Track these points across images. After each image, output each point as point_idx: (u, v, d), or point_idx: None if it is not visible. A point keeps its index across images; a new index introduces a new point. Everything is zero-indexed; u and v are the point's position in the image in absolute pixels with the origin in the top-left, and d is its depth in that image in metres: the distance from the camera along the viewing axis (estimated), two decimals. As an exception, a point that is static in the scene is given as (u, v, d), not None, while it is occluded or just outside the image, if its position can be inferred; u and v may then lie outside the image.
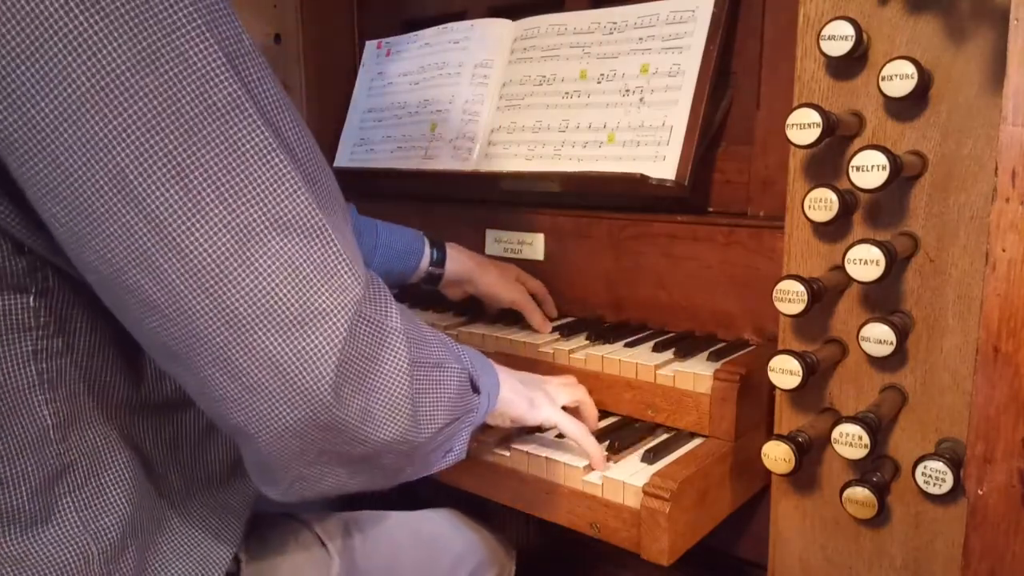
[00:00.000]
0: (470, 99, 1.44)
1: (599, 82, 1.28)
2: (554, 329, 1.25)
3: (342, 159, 1.64)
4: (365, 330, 0.64)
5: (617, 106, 1.25)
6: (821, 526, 0.92)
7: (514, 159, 1.34)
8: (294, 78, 1.62)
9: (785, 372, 0.83)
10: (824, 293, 0.82)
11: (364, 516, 1.02)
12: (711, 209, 1.23)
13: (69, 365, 0.67)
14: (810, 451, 0.85)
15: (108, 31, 0.52)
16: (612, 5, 1.31)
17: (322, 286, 0.61)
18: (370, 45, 1.67)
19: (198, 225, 0.56)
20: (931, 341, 0.82)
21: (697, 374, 1.02)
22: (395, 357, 0.67)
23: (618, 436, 1.02)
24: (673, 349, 1.10)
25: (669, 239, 1.21)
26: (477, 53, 1.46)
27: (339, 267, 0.62)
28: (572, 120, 1.29)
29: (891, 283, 0.83)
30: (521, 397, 0.92)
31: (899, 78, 0.76)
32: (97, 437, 0.71)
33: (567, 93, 1.32)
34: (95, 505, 0.71)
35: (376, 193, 1.67)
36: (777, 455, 0.84)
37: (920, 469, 0.79)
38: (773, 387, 0.86)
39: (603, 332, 1.19)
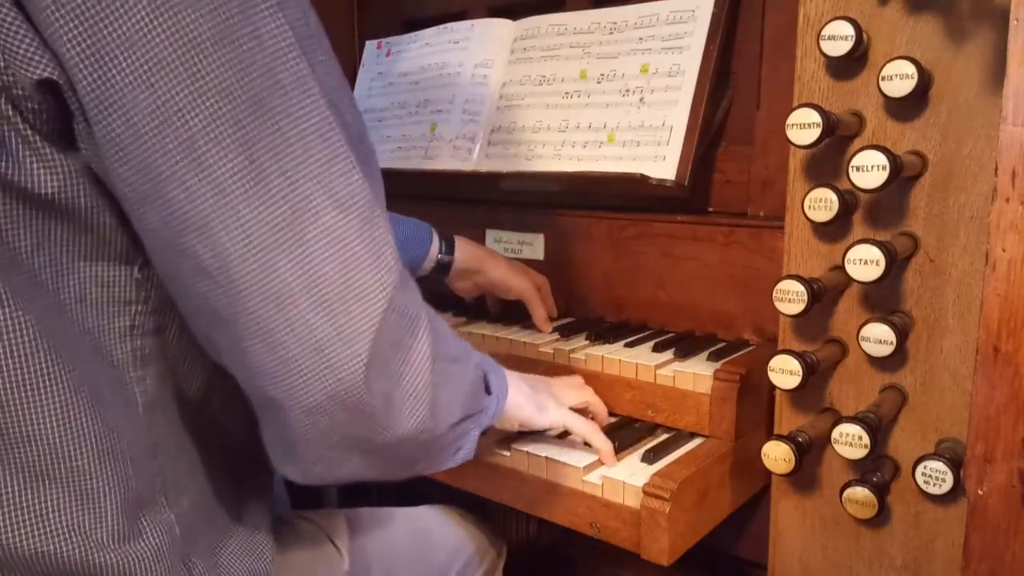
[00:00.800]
0: (470, 99, 1.44)
1: (599, 82, 1.28)
2: (554, 329, 1.25)
3: (342, 159, 1.64)
4: (396, 317, 0.65)
5: (617, 106, 1.25)
6: (821, 526, 0.92)
7: (514, 159, 1.34)
8: (294, 78, 1.62)
9: (785, 372, 0.83)
10: (824, 293, 0.82)
11: (364, 513, 1.02)
12: (711, 209, 1.23)
13: (159, 345, 0.68)
14: (810, 451, 0.85)
15: (191, 0, 0.54)
16: (612, 5, 1.31)
17: (367, 266, 0.62)
18: (370, 45, 1.67)
19: (259, 194, 0.58)
20: (931, 341, 0.83)
21: (697, 374, 1.02)
22: (420, 347, 0.68)
23: (618, 436, 1.01)
24: (673, 349, 1.10)
25: (669, 239, 1.21)
26: (477, 53, 1.46)
27: (383, 250, 0.64)
28: (572, 120, 1.29)
29: (891, 283, 0.83)
30: (529, 401, 0.93)
31: (899, 78, 0.76)
32: (175, 421, 0.72)
33: (567, 93, 1.31)
34: (175, 489, 0.71)
35: (376, 193, 1.66)
36: (777, 455, 0.84)
37: (920, 469, 0.79)
38: (773, 387, 0.86)
39: (603, 332, 1.19)
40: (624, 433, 1.03)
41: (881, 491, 0.82)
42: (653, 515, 0.87)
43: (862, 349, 0.80)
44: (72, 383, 0.61)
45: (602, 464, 0.97)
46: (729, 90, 1.22)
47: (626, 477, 0.92)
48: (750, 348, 1.12)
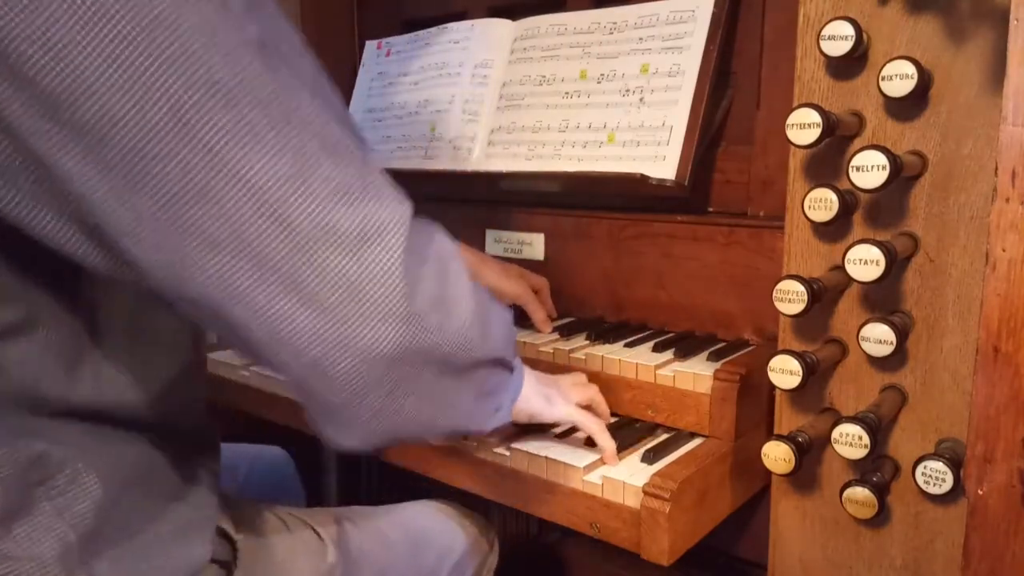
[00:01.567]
0: (470, 99, 1.44)
1: (599, 82, 1.28)
2: (554, 329, 1.25)
3: (342, 159, 1.64)
4: (423, 241, 0.67)
5: (617, 106, 1.25)
6: (821, 526, 0.93)
7: (514, 159, 1.34)
8: (294, 78, 1.62)
9: (785, 372, 0.83)
10: (824, 293, 0.82)
11: (354, 511, 1.02)
12: (711, 209, 1.23)
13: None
14: (810, 451, 0.85)
15: None
16: (612, 5, 1.31)
17: (375, 204, 0.62)
18: (370, 45, 1.67)
19: (255, 150, 0.57)
20: (931, 341, 0.83)
21: (697, 374, 1.02)
22: (459, 272, 0.70)
23: (618, 436, 1.01)
24: (673, 349, 1.10)
25: (669, 239, 1.21)
26: (477, 53, 1.46)
27: (384, 189, 0.64)
28: (572, 120, 1.29)
29: (891, 283, 0.83)
30: (538, 394, 0.93)
31: (899, 78, 0.76)
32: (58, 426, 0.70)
33: (567, 93, 1.32)
34: (70, 491, 0.70)
35: (376, 193, 1.67)
36: (777, 455, 0.84)
37: (920, 469, 0.79)
38: (773, 387, 0.86)
39: (603, 332, 1.19)
40: (624, 433, 1.03)
41: (881, 491, 0.82)
42: (653, 515, 0.87)
43: (862, 349, 0.80)
44: None
45: (603, 464, 0.97)
46: (729, 90, 1.22)
47: (626, 477, 0.92)
48: (750, 348, 1.12)
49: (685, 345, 1.11)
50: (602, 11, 1.32)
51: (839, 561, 0.92)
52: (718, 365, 1.02)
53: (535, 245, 1.37)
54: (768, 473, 0.86)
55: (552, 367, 1.13)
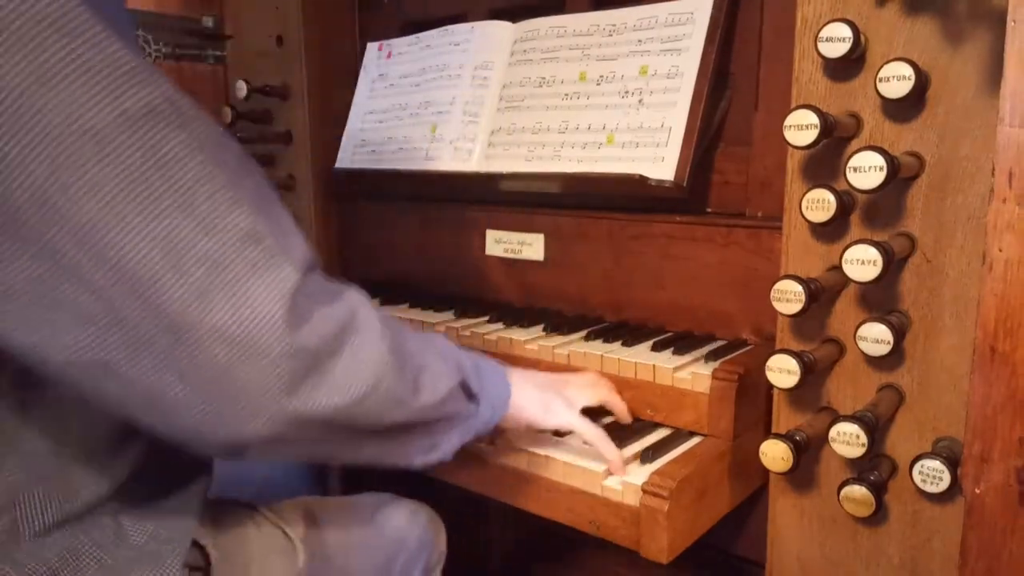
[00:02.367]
0: (470, 100, 1.45)
1: (598, 84, 1.29)
2: (553, 328, 1.25)
3: (344, 161, 1.65)
4: (316, 316, 0.63)
5: (616, 107, 1.25)
6: (819, 524, 0.93)
7: (514, 160, 1.35)
8: (296, 80, 1.63)
9: (783, 371, 0.83)
10: (822, 293, 0.82)
11: (320, 504, 1.03)
12: (710, 210, 1.24)
13: None
14: (808, 450, 0.85)
15: (1, 51, 0.51)
16: (612, 7, 1.31)
17: (256, 282, 0.60)
18: (371, 47, 1.67)
19: (120, 237, 0.55)
20: (928, 341, 0.83)
21: (696, 373, 1.02)
22: (362, 343, 0.67)
23: (617, 435, 1.02)
24: (672, 348, 1.11)
25: (668, 239, 1.22)
26: (477, 55, 1.46)
27: (272, 260, 0.61)
28: (572, 121, 1.30)
29: (888, 283, 0.84)
30: (535, 403, 0.93)
31: (896, 79, 0.77)
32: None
33: (567, 95, 1.32)
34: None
35: (377, 194, 1.67)
36: (775, 454, 0.84)
37: (917, 468, 0.79)
38: (771, 386, 0.86)
39: (602, 331, 1.20)
40: (623, 432, 1.04)
41: (878, 490, 0.82)
42: (652, 513, 0.87)
43: (859, 349, 0.81)
44: None
45: (610, 474, 0.95)
46: (727, 91, 1.22)
47: (625, 475, 0.93)
48: (748, 348, 1.12)
49: (684, 345, 1.11)
50: (601, 13, 1.32)
51: (837, 559, 0.92)
52: (716, 364, 1.02)
53: (535, 245, 1.37)
54: (766, 472, 0.87)
55: (552, 367, 1.14)
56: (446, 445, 0.83)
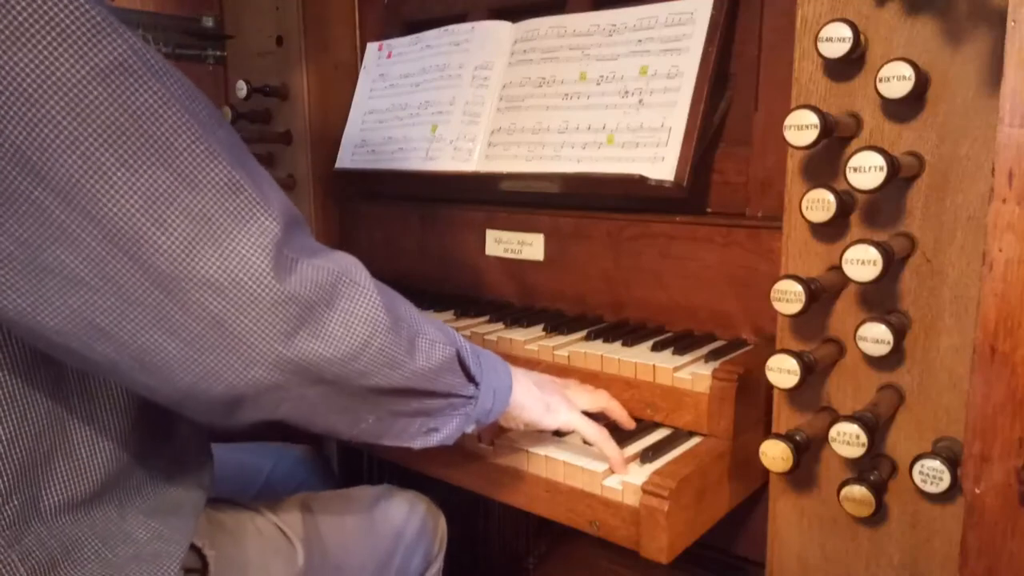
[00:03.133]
0: (470, 100, 1.45)
1: (598, 84, 1.29)
2: (553, 328, 1.25)
3: (344, 160, 1.65)
4: (306, 268, 0.64)
5: (616, 107, 1.25)
6: (819, 524, 0.93)
7: (514, 160, 1.35)
8: (296, 80, 1.63)
9: (783, 371, 0.83)
10: (822, 293, 0.82)
11: (317, 499, 1.03)
12: (710, 210, 1.24)
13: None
14: (808, 450, 0.85)
15: None
16: (612, 7, 1.31)
17: (241, 234, 0.60)
18: (371, 47, 1.68)
19: (104, 191, 0.56)
20: (928, 341, 0.83)
21: (696, 373, 1.02)
22: (352, 296, 0.67)
23: (617, 435, 1.02)
24: (672, 348, 1.11)
25: (668, 239, 1.22)
26: (477, 55, 1.46)
27: (253, 210, 0.61)
28: (572, 121, 1.30)
29: (888, 283, 0.84)
30: (536, 401, 0.93)
31: (896, 80, 0.77)
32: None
33: (567, 95, 1.32)
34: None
35: (378, 194, 1.67)
36: (775, 454, 0.84)
37: (917, 468, 0.79)
38: (771, 386, 0.86)
39: (602, 331, 1.20)
40: (623, 432, 1.04)
41: (879, 490, 0.82)
42: (652, 513, 0.87)
43: (859, 349, 0.81)
44: None
45: (612, 473, 0.95)
46: (728, 92, 1.22)
47: (625, 475, 0.93)
48: (748, 348, 1.12)
49: (684, 345, 1.11)
50: (601, 13, 1.32)
51: (837, 559, 0.92)
52: (716, 364, 1.02)
53: (535, 245, 1.37)
54: (766, 471, 0.87)
55: (551, 366, 1.14)
56: (446, 429, 0.83)
